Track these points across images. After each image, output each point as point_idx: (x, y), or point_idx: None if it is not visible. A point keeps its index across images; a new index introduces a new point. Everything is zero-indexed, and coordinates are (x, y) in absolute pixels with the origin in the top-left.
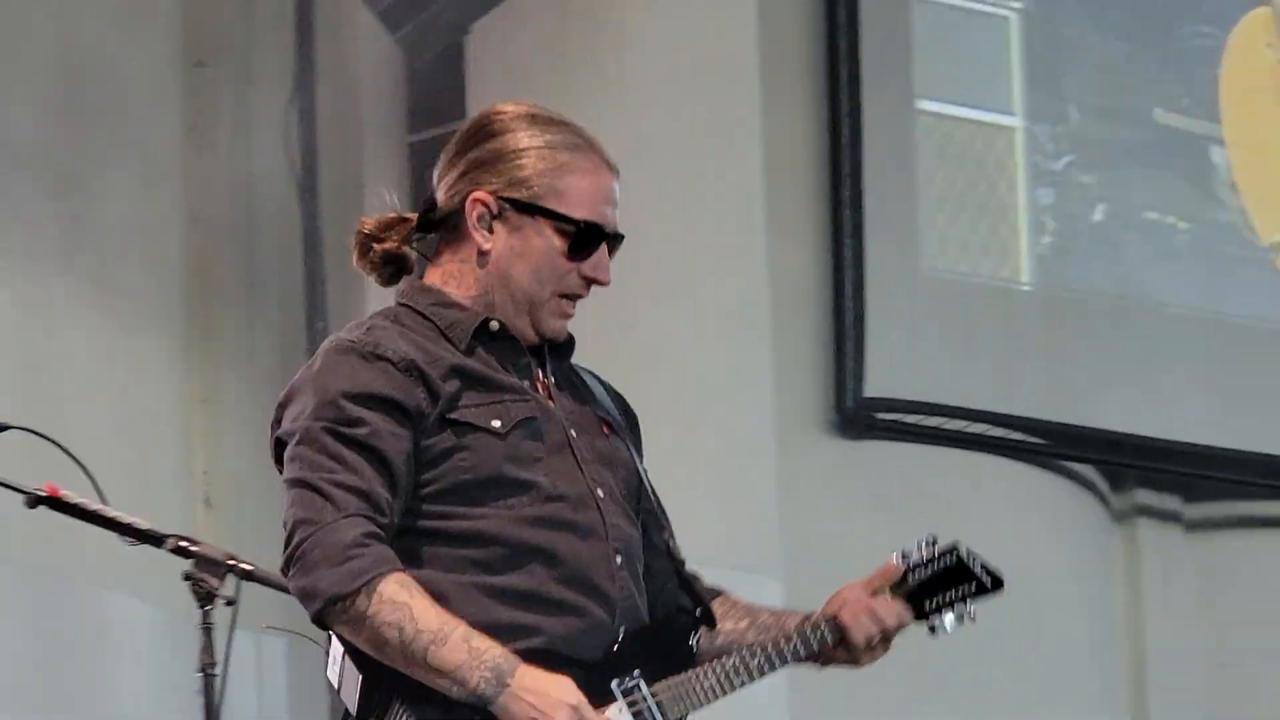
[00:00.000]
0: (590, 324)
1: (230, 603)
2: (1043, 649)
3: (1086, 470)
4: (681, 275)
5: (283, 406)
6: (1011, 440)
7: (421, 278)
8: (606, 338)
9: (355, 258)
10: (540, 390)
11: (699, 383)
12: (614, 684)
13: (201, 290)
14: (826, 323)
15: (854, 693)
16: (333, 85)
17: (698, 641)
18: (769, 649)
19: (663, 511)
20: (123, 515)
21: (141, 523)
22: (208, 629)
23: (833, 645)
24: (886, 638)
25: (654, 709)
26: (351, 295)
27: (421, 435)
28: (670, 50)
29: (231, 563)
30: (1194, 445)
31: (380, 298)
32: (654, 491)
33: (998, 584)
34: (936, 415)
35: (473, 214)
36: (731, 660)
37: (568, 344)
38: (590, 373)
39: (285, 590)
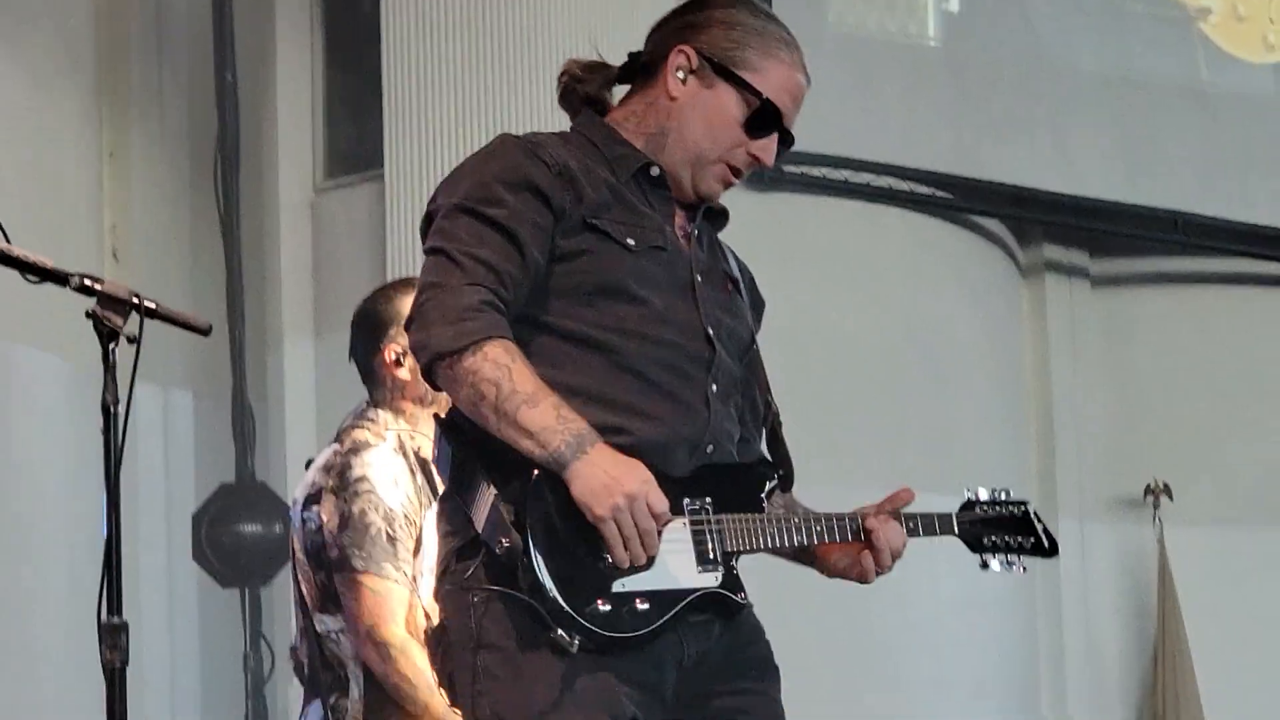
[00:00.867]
0: (498, 76)
1: (133, 341)
2: (950, 403)
3: (993, 225)
4: (589, 25)
5: (443, 184)
6: (919, 194)
7: (603, 115)
8: (515, 86)
9: (559, 96)
10: (679, 235)
11: None
12: (685, 501)
13: (111, 44)
14: None
15: None
16: None
17: (769, 495)
18: (822, 523)
19: (764, 376)
20: (28, 253)
21: (46, 261)
22: (111, 367)
23: (851, 544)
24: (895, 556)
25: (714, 534)
26: (260, 47)
27: (560, 233)
28: None
29: (135, 300)
30: (1101, 201)
31: (288, 42)
32: (762, 366)
33: (1054, 550)
34: (844, 169)
35: (674, 62)
36: (794, 521)
37: (721, 214)
38: (733, 252)
39: (186, 327)
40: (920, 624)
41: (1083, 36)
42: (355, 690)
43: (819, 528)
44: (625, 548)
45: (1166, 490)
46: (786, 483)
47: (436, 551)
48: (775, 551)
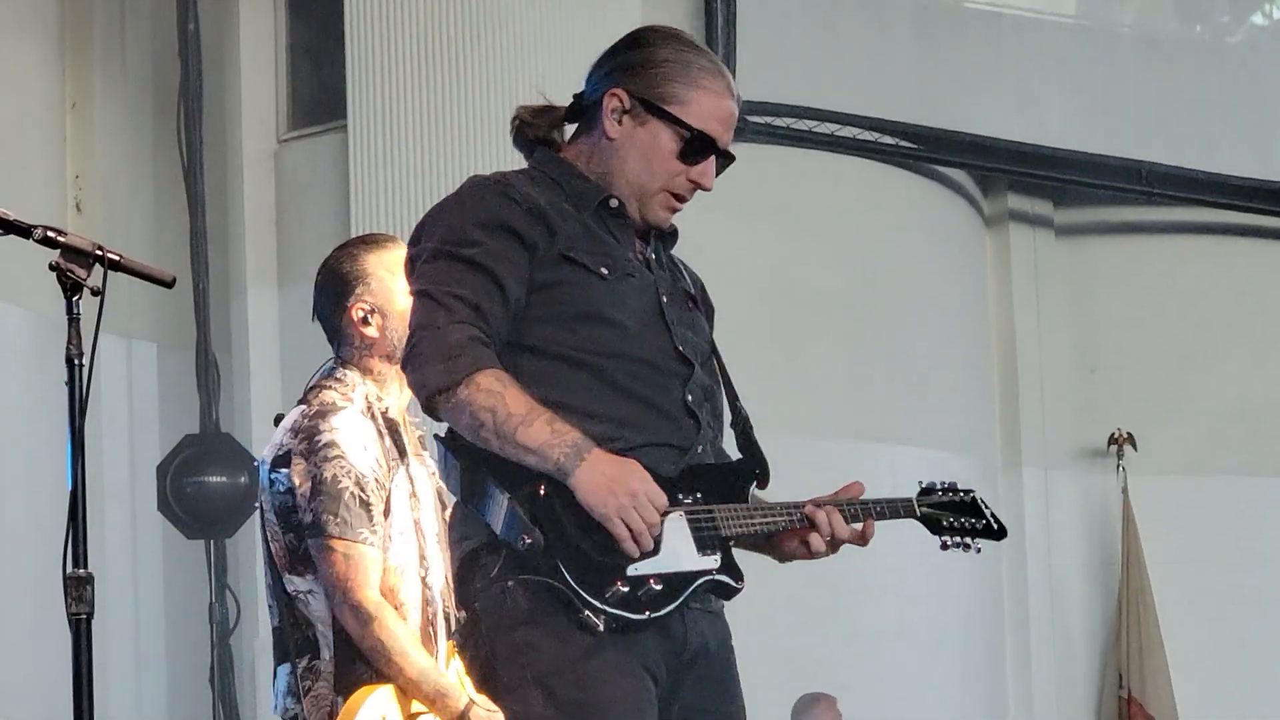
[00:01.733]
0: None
1: (97, 293)
2: (915, 353)
3: (958, 175)
4: None
5: (420, 228)
6: (883, 144)
7: (558, 153)
8: (477, 36)
9: (513, 137)
10: (643, 261)
11: (568, 85)
12: (679, 496)
13: None
14: (697, 23)
15: None
16: None
17: (752, 490)
18: (789, 509)
19: (729, 381)
20: None
21: (8, 213)
22: (74, 320)
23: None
24: (835, 544)
25: (708, 522)
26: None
27: (536, 267)
28: None
29: (99, 252)
30: (1064, 151)
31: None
32: (722, 363)
33: (1003, 533)
34: (808, 119)
35: (608, 105)
36: (777, 509)
37: (672, 235)
38: (683, 263)
39: (150, 279)
40: (883, 573)
41: None
42: (326, 652)
43: (785, 516)
44: (633, 540)
45: (1130, 440)
46: (763, 480)
47: (449, 556)
48: (744, 540)
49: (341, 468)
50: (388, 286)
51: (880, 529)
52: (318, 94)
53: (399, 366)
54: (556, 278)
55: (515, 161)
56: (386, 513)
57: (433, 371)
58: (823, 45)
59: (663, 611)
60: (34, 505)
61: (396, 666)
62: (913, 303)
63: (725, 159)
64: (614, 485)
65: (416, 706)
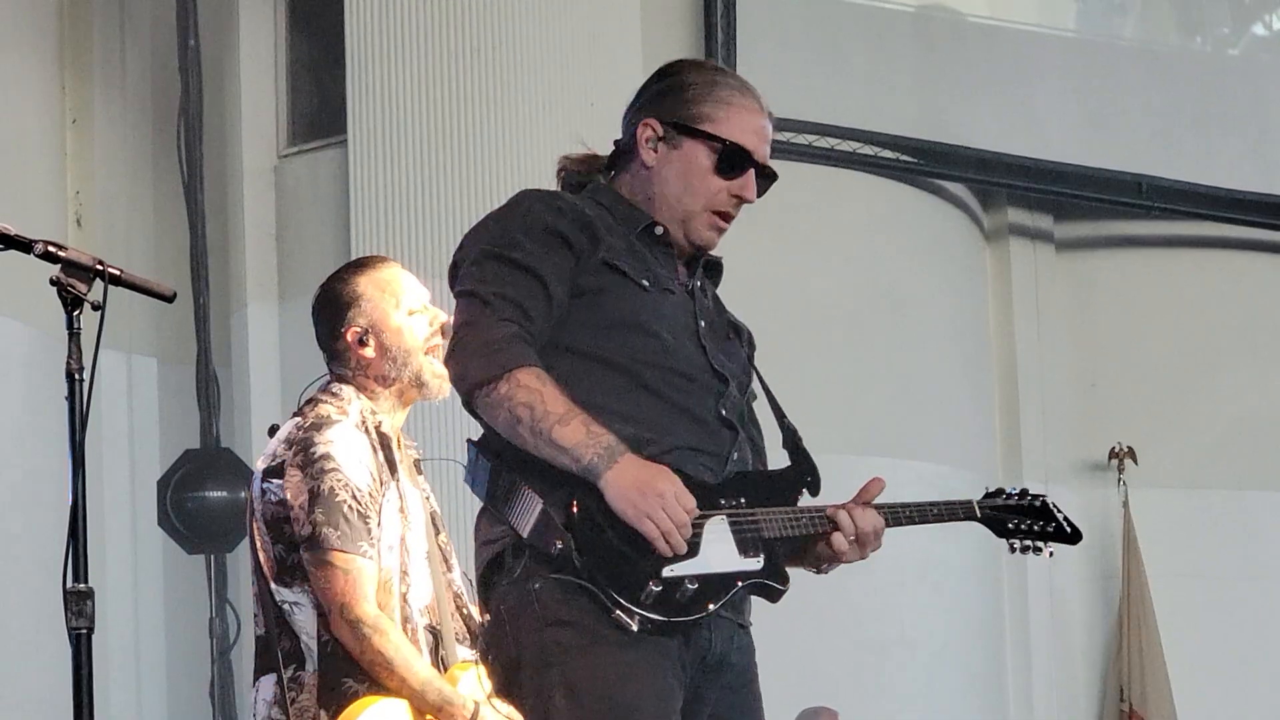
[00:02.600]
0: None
1: (98, 308)
2: (915, 367)
3: (958, 189)
4: None
5: (467, 235)
6: (883, 158)
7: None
8: (478, 52)
9: (560, 183)
10: (685, 288)
11: (570, 101)
12: (720, 501)
13: (73, 10)
14: (697, 40)
15: None
16: None
17: (797, 497)
18: (822, 513)
19: (775, 400)
20: None
21: (9, 228)
22: (75, 334)
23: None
24: (861, 542)
25: (750, 524)
26: (223, 12)
27: (581, 272)
28: None
29: (100, 267)
30: (1065, 164)
31: (251, 7)
32: (769, 390)
33: (1077, 536)
34: (807, 133)
35: (643, 136)
36: (811, 510)
37: (716, 267)
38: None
39: (150, 294)
40: (886, 588)
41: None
42: (310, 664)
43: (821, 520)
44: (666, 540)
45: (1131, 453)
46: (814, 488)
47: (474, 560)
48: (794, 546)
49: (338, 480)
50: (379, 306)
51: (884, 542)
52: (318, 109)
53: (395, 386)
54: (599, 284)
55: (516, 175)
56: (383, 529)
57: (474, 365)
58: (823, 60)
59: (702, 613)
60: (34, 520)
61: (399, 678)
62: (913, 317)
63: (766, 176)
64: (642, 487)
65: None
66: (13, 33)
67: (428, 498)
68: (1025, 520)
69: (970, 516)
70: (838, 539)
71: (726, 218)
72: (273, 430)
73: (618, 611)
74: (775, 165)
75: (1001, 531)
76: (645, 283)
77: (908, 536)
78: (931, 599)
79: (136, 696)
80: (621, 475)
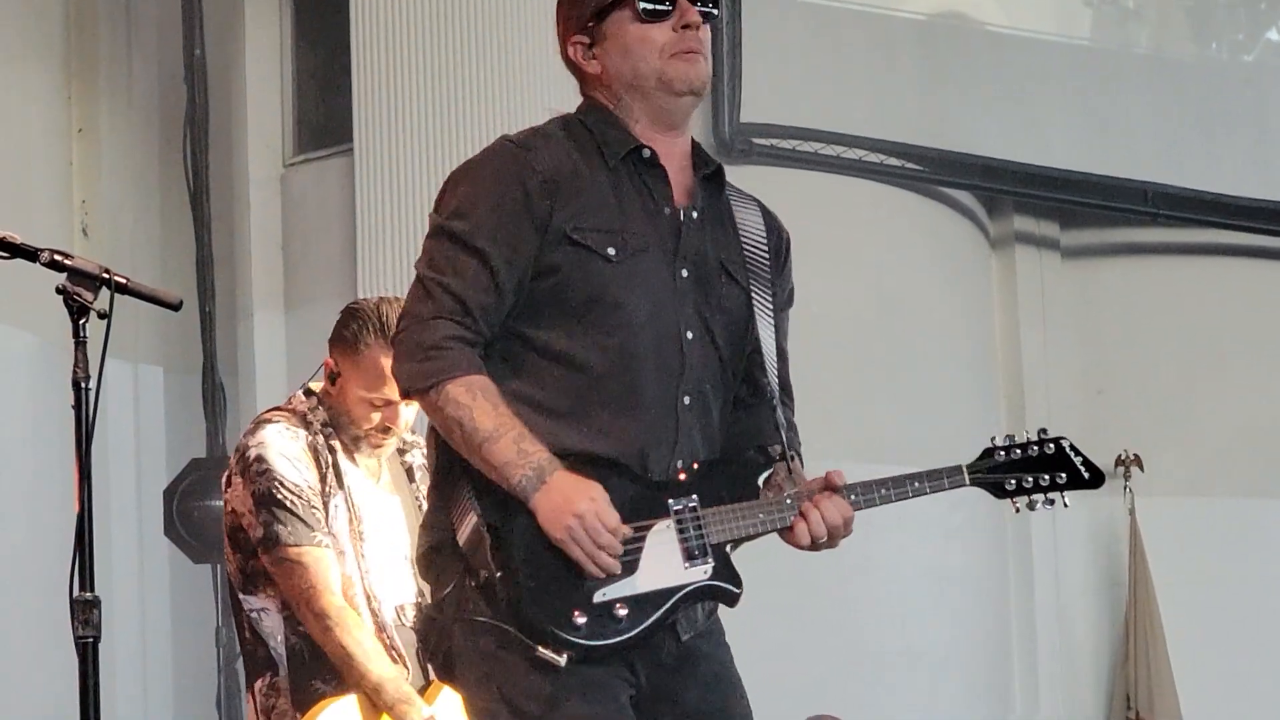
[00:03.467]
0: (466, 51)
1: (104, 316)
2: (921, 375)
3: (964, 196)
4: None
5: (444, 188)
6: (889, 165)
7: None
8: (482, 60)
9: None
10: (674, 222)
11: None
12: (669, 502)
13: (79, 20)
14: None
15: None
16: None
17: (764, 481)
18: (781, 506)
19: (780, 355)
20: None
21: (15, 237)
22: (81, 343)
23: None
24: (831, 535)
25: (696, 529)
26: (229, 22)
27: (544, 247)
28: None
29: (106, 276)
30: (1070, 172)
31: (257, 17)
32: (779, 333)
33: (1097, 479)
34: (814, 141)
35: (574, 58)
36: (764, 506)
37: (716, 174)
38: (752, 200)
39: (156, 303)
40: (890, 596)
41: (1052, 5)
42: (282, 669)
43: (782, 513)
44: (590, 564)
45: (1137, 461)
46: (785, 461)
47: (416, 537)
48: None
49: (273, 479)
50: (358, 375)
51: (884, 547)
52: (324, 118)
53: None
54: (559, 261)
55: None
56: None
57: (408, 369)
58: (828, 67)
59: (636, 630)
60: (41, 529)
61: (358, 672)
62: (918, 324)
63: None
64: (564, 506)
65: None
66: (19, 42)
67: (420, 504)
68: (1029, 475)
69: (959, 484)
70: (799, 531)
71: (689, 50)
72: None
73: (540, 650)
74: (781, 172)
75: (1000, 493)
76: (611, 251)
77: (911, 545)
78: (936, 607)
79: (143, 705)
80: (549, 497)
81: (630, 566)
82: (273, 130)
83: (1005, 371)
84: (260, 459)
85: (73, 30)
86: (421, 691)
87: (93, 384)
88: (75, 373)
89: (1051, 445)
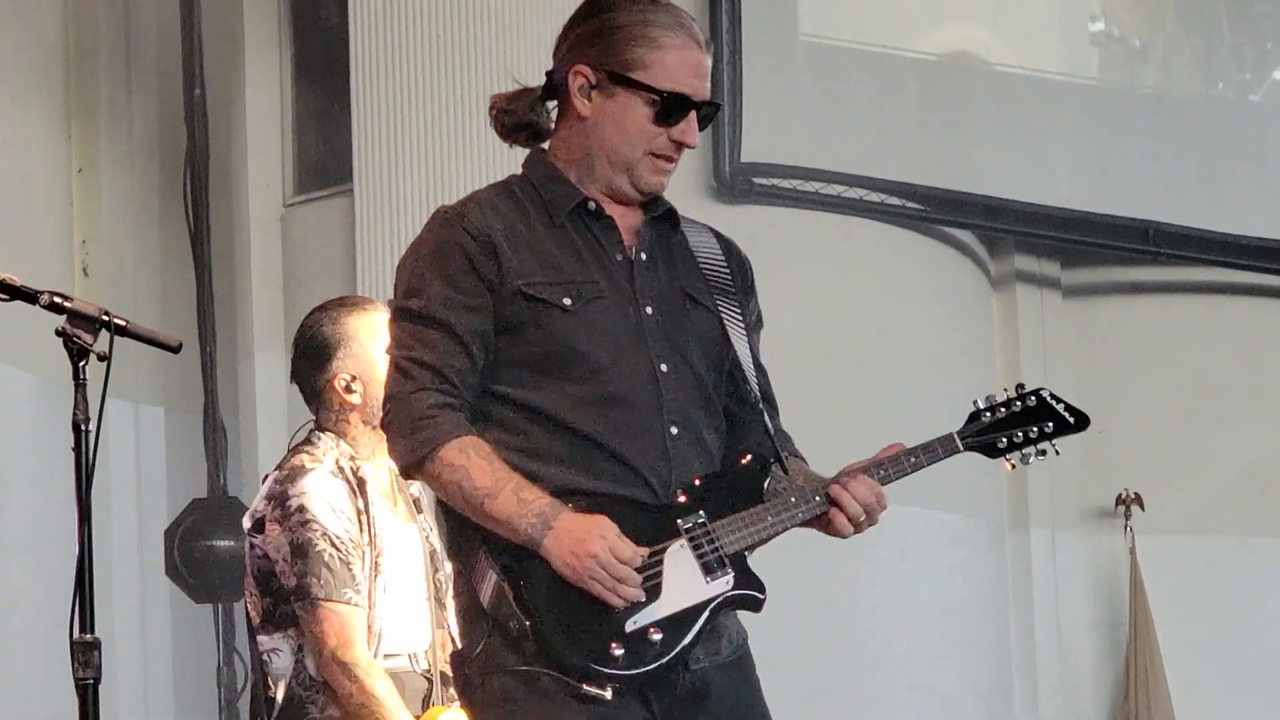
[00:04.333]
0: (467, 90)
1: (104, 358)
2: (922, 414)
3: (965, 235)
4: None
5: (397, 272)
6: (890, 205)
7: (545, 146)
8: (484, 100)
9: (499, 133)
10: (626, 267)
11: None
12: (679, 521)
13: (79, 59)
14: None
15: None
16: None
17: (767, 487)
18: (803, 496)
19: (758, 368)
20: None
21: (15, 279)
22: (81, 385)
23: (825, 512)
24: (869, 513)
25: (710, 543)
26: (229, 62)
27: (498, 305)
28: None
29: (105, 318)
30: (1072, 211)
31: (257, 57)
32: (753, 349)
33: (1082, 422)
34: (814, 180)
35: (574, 85)
36: (788, 500)
37: (666, 215)
38: (705, 228)
39: (157, 344)
40: (892, 633)
41: (1052, 44)
42: (275, 710)
43: (804, 505)
44: (615, 597)
45: (1138, 500)
46: (767, 468)
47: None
48: (798, 522)
49: (316, 530)
50: (369, 352)
51: (885, 584)
52: (324, 158)
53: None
54: (518, 317)
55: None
56: (375, 570)
57: (400, 447)
58: (829, 106)
59: (675, 652)
60: (42, 570)
61: None
62: (919, 363)
63: (707, 109)
64: (577, 548)
65: None
66: (19, 82)
67: (428, 536)
68: (1018, 430)
69: (953, 452)
70: (841, 522)
71: (669, 160)
72: (265, 480)
73: (585, 687)
74: (782, 212)
75: (994, 453)
76: (567, 301)
77: (912, 581)
78: (937, 645)
79: None
80: (558, 540)
81: (654, 591)
82: (273, 170)
83: None
84: (303, 509)
85: (73, 70)
86: None
87: (93, 425)
88: (75, 414)
89: (1033, 398)
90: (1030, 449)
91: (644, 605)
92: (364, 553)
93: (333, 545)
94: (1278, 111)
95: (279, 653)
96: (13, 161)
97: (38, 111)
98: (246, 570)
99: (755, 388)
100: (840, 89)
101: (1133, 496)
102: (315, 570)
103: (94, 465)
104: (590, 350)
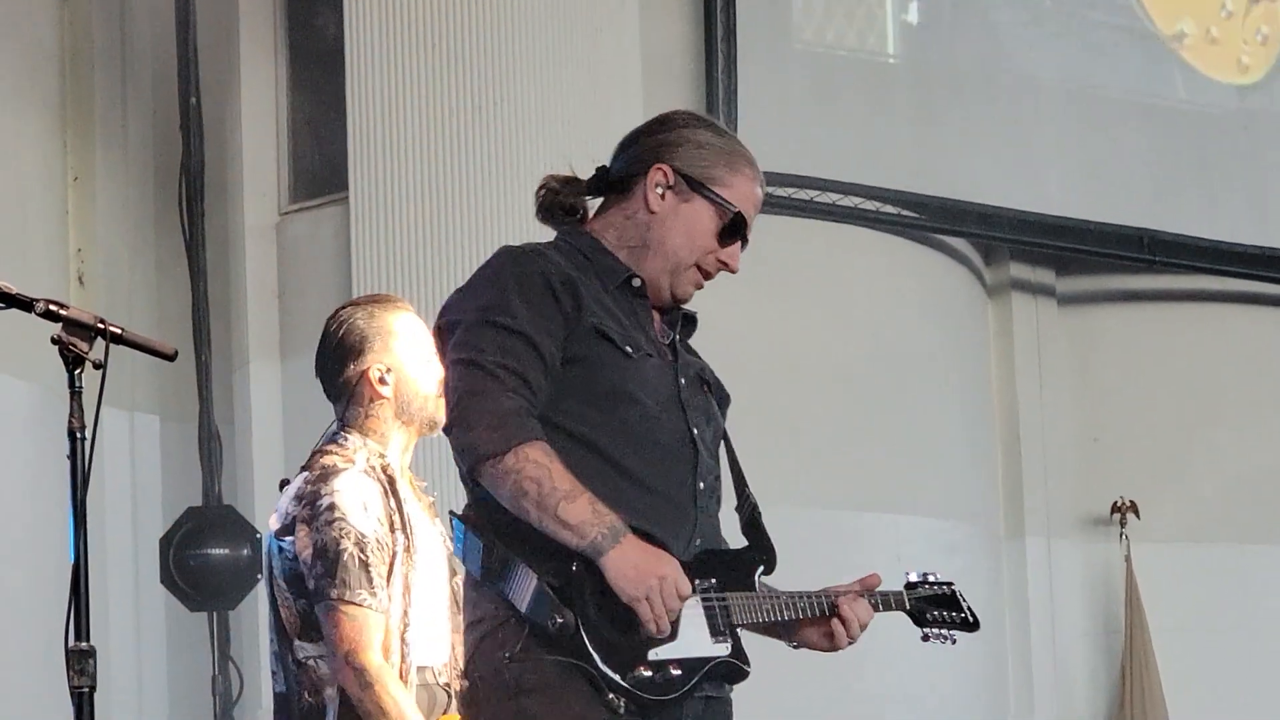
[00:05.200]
0: (462, 99)
1: (99, 366)
2: (917, 422)
3: (960, 243)
4: (552, 46)
5: (452, 298)
6: (885, 214)
7: (582, 223)
8: (479, 109)
9: (539, 210)
10: (667, 341)
11: (571, 157)
12: (696, 581)
13: (74, 69)
14: (698, 96)
15: None
16: None
17: (759, 577)
18: (803, 599)
19: (739, 468)
20: None
21: (11, 287)
22: (76, 393)
23: (824, 618)
24: (862, 628)
25: (722, 609)
26: (224, 70)
27: (570, 338)
28: None
29: (101, 325)
30: (1067, 219)
31: (252, 65)
32: (733, 451)
33: (977, 625)
34: (809, 189)
35: (653, 179)
36: (782, 599)
37: (692, 320)
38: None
39: (152, 352)
40: (888, 641)
41: (1046, 51)
42: (331, 717)
43: (802, 604)
44: (656, 624)
45: (1133, 508)
46: (770, 567)
47: (462, 640)
48: (754, 626)
49: (342, 529)
50: (403, 349)
51: (881, 587)
52: (319, 166)
53: (412, 425)
54: (587, 352)
55: (518, 233)
56: (391, 573)
57: (484, 437)
58: (823, 115)
59: (677, 694)
60: (36, 578)
61: None
62: (915, 372)
63: (746, 241)
64: (643, 569)
65: None
66: (14, 91)
67: (445, 539)
68: (940, 610)
69: (901, 606)
70: (840, 632)
71: (709, 276)
72: (283, 485)
73: (611, 694)
74: (776, 220)
75: (920, 621)
76: (629, 349)
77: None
78: (933, 654)
79: None
80: (624, 555)
81: (674, 631)
82: (268, 178)
83: (1001, 419)
84: (333, 507)
85: (68, 78)
86: None
87: (88, 433)
88: (70, 422)
89: (947, 588)
90: (946, 630)
91: (664, 641)
92: (392, 555)
93: (355, 545)
94: (1272, 119)
95: (325, 659)
96: (8, 170)
97: (33, 120)
98: (272, 575)
99: (750, 493)
100: (834, 97)
101: (1128, 504)
102: (333, 570)
103: (89, 473)
104: (643, 396)
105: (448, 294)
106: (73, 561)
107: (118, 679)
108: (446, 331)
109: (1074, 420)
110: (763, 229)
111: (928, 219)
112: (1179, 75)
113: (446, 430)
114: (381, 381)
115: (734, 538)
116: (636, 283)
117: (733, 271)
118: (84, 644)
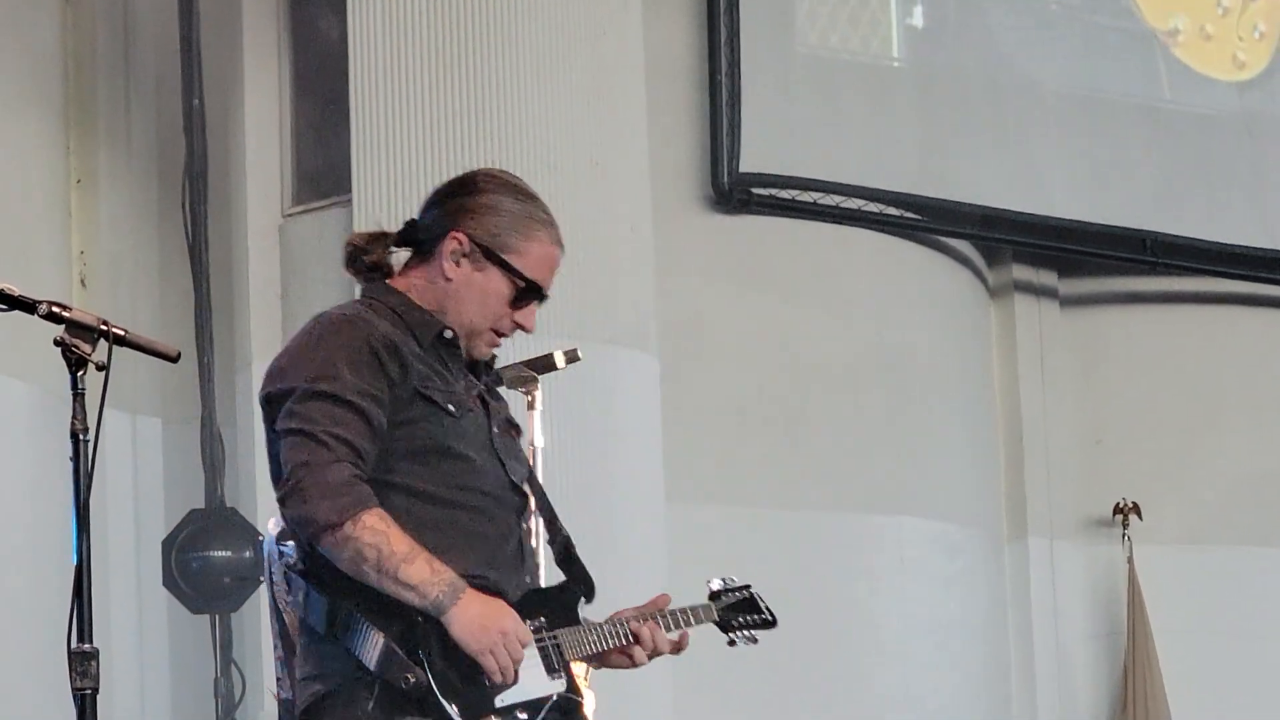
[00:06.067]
0: (465, 101)
1: (102, 368)
2: (920, 424)
3: (962, 245)
4: (555, 51)
5: (277, 367)
6: (887, 215)
7: (386, 279)
8: (482, 111)
9: (345, 264)
10: (478, 392)
11: (573, 160)
12: (527, 623)
13: (78, 70)
14: (702, 99)
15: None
16: None
17: (580, 609)
18: (620, 625)
19: (548, 503)
20: None
21: (14, 289)
22: (79, 395)
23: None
24: (655, 654)
25: (554, 647)
26: (227, 72)
27: (394, 401)
28: None
29: (104, 327)
30: (1069, 221)
31: (256, 67)
32: (539, 487)
33: (774, 622)
34: (812, 190)
35: (448, 247)
36: (604, 628)
37: (490, 362)
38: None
39: (155, 354)
40: (891, 643)
41: (1049, 55)
42: None
43: (620, 629)
44: (502, 675)
45: (1135, 509)
46: (589, 596)
47: (295, 693)
48: (583, 658)
49: None
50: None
51: (884, 596)
52: (322, 168)
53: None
54: (413, 415)
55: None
56: None
57: (321, 508)
58: (826, 117)
59: None
60: (39, 580)
61: None
62: (917, 374)
63: (543, 300)
64: (486, 623)
65: None
66: (18, 94)
67: None
68: (743, 615)
69: (709, 618)
70: (638, 653)
71: (504, 337)
72: None
73: None
74: (779, 222)
75: (725, 628)
76: (451, 408)
77: (910, 593)
78: (936, 655)
79: None
80: (466, 611)
81: (515, 677)
82: (271, 180)
83: (1004, 421)
84: None
85: (71, 81)
86: None
87: (91, 435)
88: (73, 424)
89: (745, 592)
90: (748, 633)
91: (508, 687)
92: None
93: None
94: (1266, 121)
95: None
96: (11, 173)
97: (36, 123)
98: (276, 579)
99: (562, 525)
100: (838, 100)
101: (1130, 506)
102: None
103: (92, 475)
104: (467, 452)
105: None
106: (75, 563)
107: (120, 681)
108: (275, 402)
109: (1076, 422)
110: (766, 231)
111: (930, 221)
112: (1172, 72)
113: (281, 501)
114: None
115: (551, 572)
116: (448, 334)
117: (528, 332)
118: (86, 646)
